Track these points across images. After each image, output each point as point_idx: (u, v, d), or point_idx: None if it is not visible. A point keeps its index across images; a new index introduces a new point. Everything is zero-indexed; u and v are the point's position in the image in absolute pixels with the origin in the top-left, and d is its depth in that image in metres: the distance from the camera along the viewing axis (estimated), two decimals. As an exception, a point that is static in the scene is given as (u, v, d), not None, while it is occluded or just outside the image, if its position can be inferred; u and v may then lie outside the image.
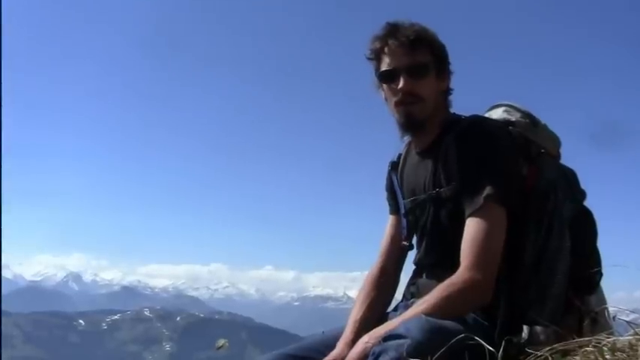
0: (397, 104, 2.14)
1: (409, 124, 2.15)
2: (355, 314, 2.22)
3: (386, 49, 2.15)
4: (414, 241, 2.31)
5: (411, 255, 2.33)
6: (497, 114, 2.24)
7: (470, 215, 1.99)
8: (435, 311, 1.85)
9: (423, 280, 2.19)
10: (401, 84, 2.11)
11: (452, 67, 2.20)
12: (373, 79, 2.24)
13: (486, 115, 2.26)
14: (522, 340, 1.88)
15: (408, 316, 1.86)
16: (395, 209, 2.37)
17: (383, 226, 2.45)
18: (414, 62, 2.10)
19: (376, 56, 2.19)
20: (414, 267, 2.30)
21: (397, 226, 2.35)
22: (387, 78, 2.16)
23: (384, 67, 2.16)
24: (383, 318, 2.16)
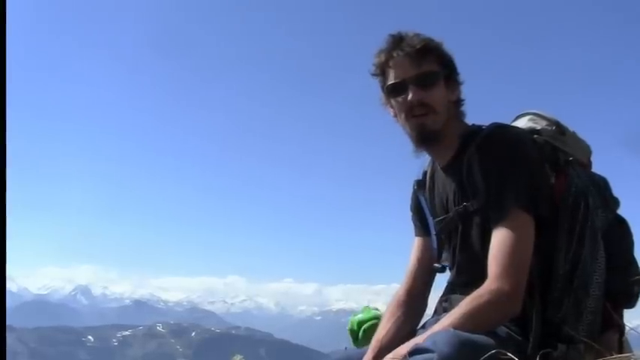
0: (408, 117, 2.13)
1: (423, 136, 2.13)
2: (378, 334, 2.22)
3: (391, 62, 2.14)
4: (446, 261, 2.29)
5: (439, 276, 2.32)
6: (522, 123, 2.25)
7: (495, 225, 2.00)
8: (462, 324, 1.84)
9: (456, 295, 2.18)
10: (410, 95, 2.10)
11: (461, 78, 2.19)
12: (380, 95, 2.23)
13: (512, 124, 2.26)
14: (558, 357, 1.88)
15: (435, 330, 1.86)
16: (422, 230, 2.36)
17: (409, 236, 2.42)
18: (422, 71, 2.09)
19: (381, 71, 2.18)
20: (446, 285, 2.29)
21: (424, 248, 2.34)
22: (394, 91, 2.14)
23: (390, 80, 2.15)
24: (409, 338, 2.11)
